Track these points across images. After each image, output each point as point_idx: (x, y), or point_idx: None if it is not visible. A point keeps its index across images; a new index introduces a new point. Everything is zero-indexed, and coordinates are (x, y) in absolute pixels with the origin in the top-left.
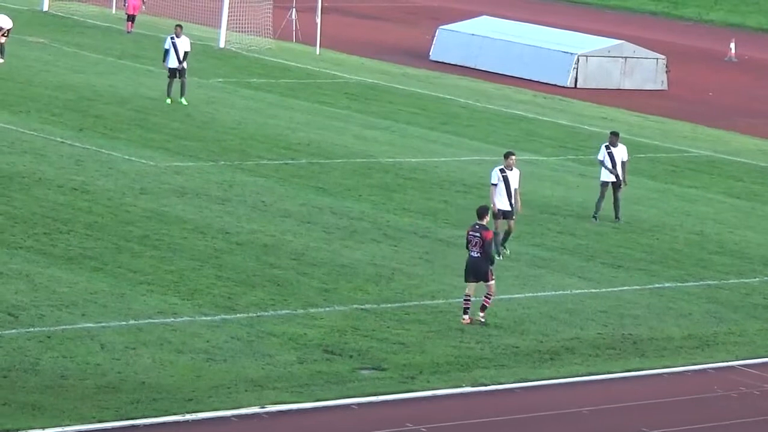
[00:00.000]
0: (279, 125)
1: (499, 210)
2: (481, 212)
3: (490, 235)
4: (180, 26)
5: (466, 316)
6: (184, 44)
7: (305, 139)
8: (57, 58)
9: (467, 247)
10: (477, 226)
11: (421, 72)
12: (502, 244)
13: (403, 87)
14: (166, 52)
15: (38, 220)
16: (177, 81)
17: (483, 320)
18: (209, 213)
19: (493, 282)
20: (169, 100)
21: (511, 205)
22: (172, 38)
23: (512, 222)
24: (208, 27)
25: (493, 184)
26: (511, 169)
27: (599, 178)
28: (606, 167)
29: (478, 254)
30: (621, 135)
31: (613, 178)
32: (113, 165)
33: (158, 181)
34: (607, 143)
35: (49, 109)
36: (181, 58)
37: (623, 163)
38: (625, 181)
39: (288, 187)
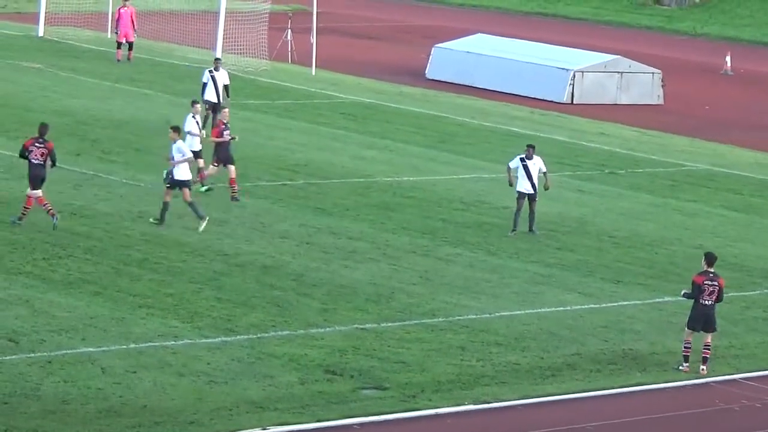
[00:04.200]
0: (276, 146)
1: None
2: (712, 259)
3: (724, 282)
4: (219, 59)
5: (687, 364)
6: (222, 77)
7: (303, 160)
8: (53, 83)
9: (695, 296)
10: (711, 275)
11: (418, 90)
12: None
13: (400, 106)
14: (204, 85)
15: (37, 246)
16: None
17: (705, 371)
18: (208, 235)
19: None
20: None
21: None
22: (210, 71)
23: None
24: (203, 49)
25: None
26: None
27: (516, 189)
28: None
29: (713, 302)
30: (618, 150)
31: (530, 190)
32: (111, 189)
33: (156, 204)
34: (523, 155)
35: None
36: (221, 92)
37: (544, 173)
38: (547, 186)
39: (286, 207)
